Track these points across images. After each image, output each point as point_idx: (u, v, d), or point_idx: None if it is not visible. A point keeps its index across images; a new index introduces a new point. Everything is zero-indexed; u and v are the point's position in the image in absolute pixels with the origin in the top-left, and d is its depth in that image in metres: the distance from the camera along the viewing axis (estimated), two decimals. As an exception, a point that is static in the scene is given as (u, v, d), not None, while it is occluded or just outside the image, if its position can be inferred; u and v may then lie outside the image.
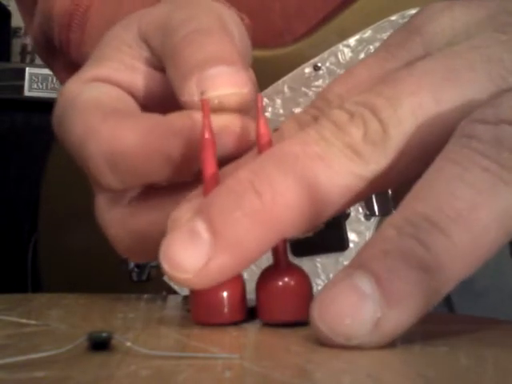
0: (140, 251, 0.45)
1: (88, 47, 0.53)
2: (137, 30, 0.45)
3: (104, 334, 0.31)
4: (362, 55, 0.55)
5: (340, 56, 0.55)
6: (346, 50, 0.55)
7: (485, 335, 0.37)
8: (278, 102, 0.56)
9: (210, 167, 0.41)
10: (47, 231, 0.73)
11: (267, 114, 0.55)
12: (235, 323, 0.40)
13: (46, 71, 0.93)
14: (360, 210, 0.53)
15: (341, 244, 0.53)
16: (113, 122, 0.40)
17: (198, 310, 0.40)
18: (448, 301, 0.64)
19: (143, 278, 0.63)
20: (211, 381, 0.27)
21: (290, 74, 0.57)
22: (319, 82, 0.55)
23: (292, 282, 0.40)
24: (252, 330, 0.39)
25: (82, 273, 0.71)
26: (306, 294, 0.40)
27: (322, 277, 0.54)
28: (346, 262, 0.53)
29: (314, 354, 0.32)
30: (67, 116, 0.42)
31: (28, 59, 1.30)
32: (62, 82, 0.62)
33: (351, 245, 0.53)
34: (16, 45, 1.31)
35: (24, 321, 0.38)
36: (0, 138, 0.95)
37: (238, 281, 0.41)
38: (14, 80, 0.94)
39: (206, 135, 0.40)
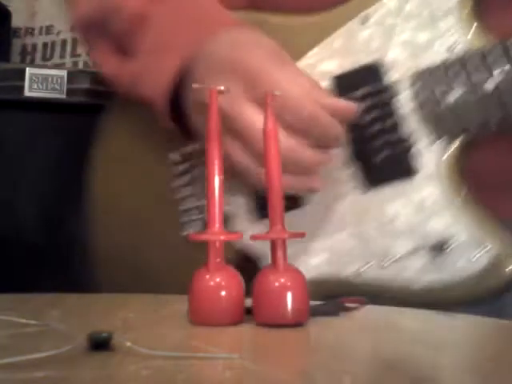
0: None
1: (143, 45, 0.60)
2: None
3: (104, 334, 0.31)
4: (408, 3, 0.57)
5: (387, 5, 0.57)
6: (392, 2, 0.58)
7: (486, 335, 0.37)
8: (328, 54, 0.60)
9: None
10: (98, 231, 0.71)
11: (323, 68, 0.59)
12: (234, 323, 0.40)
13: (46, 71, 0.93)
14: (424, 138, 0.55)
15: (408, 170, 0.56)
16: None
17: (197, 310, 0.40)
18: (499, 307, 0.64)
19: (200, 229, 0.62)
20: (211, 381, 0.27)
21: (338, 31, 0.59)
22: (366, 33, 0.59)
23: (288, 284, 0.40)
24: (251, 330, 0.39)
25: (132, 270, 0.70)
26: (301, 297, 0.40)
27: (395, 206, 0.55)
28: (414, 196, 0.55)
29: (313, 354, 0.32)
30: None
31: (28, 59, 1.30)
32: (107, 66, 0.64)
33: (419, 172, 0.55)
34: (16, 45, 1.31)
35: (24, 321, 0.38)
36: (0, 138, 0.95)
37: (236, 282, 0.41)
38: (14, 80, 0.94)
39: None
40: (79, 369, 0.28)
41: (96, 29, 0.65)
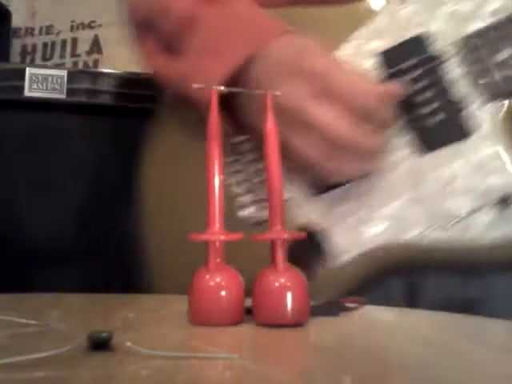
0: None
1: (193, 45, 0.63)
2: None
3: (104, 334, 0.31)
4: None
5: None
6: None
7: (485, 334, 0.37)
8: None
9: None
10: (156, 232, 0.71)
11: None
12: (234, 323, 0.40)
13: (46, 71, 0.93)
14: (476, 100, 0.57)
15: (463, 132, 0.57)
16: None
17: (198, 310, 0.40)
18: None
19: None
20: (211, 381, 0.27)
21: (379, 14, 0.63)
22: (408, 10, 0.61)
23: (288, 285, 0.40)
24: (251, 330, 0.39)
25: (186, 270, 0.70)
26: (301, 297, 0.40)
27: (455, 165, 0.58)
28: (472, 157, 0.57)
29: (313, 354, 0.32)
30: None
31: (28, 59, 1.30)
32: (153, 61, 0.67)
33: (474, 132, 0.57)
34: (16, 45, 1.31)
35: (24, 321, 0.38)
36: (0, 138, 0.94)
37: (236, 282, 0.41)
38: (14, 80, 0.94)
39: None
40: (79, 369, 0.28)
41: (145, 26, 0.68)
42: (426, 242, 0.56)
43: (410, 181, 0.58)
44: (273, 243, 0.41)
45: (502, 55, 0.56)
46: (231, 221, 0.64)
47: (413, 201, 0.57)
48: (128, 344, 0.30)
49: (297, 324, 0.39)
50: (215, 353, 0.31)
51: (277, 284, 0.40)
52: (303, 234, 0.44)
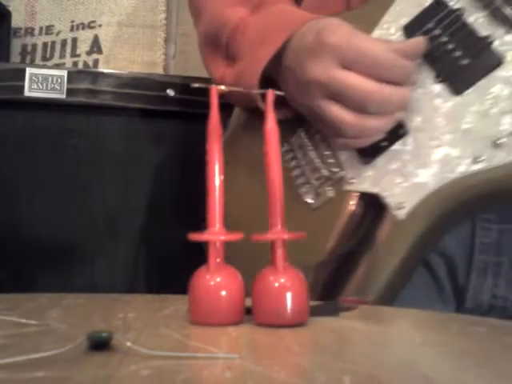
0: None
1: (243, 46, 0.72)
2: None
3: (104, 334, 0.31)
4: None
5: None
6: None
7: (487, 336, 0.37)
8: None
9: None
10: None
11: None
12: (234, 323, 0.40)
13: (46, 71, 0.93)
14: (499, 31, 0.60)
15: (496, 61, 0.59)
16: None
17: (198, 310, 0.40)
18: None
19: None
20: (211, 381, 0.27)
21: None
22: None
23: (288, 285, 0.40)
24: (251, 330, 0.39)
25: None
26: (301, 297, 0.40)
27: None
28: (510, 78, 0.59)
29: (313, 354, 0.32)
30: None
31: (28, 59, 1.30)
32: (217, 72, 0.76)
33: (506, 56, 0.59)
34: (16, 45, 1.31)
35: (24, 321, 0.38)
36: (0, 138, 0.94)
37: (236, 282, 0.41)
38: (14, 80, 0.94)
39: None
40: (79, 369, 0.28)
41: (212, 46, 0.78)
42: (480, 168, 0.57)
43: (449, 122, 0.60)
44: (273, 243, 0.41)
45: None
46: (299, 204, 0.67)
47: (455, 139, 0.59)
48: (128, 344, 0.30)
49: (296, 324, 0.39)
50: (215, 353, 0.31)
51: (276, 284, 0.40)
52: (303, 234, 0.44)
